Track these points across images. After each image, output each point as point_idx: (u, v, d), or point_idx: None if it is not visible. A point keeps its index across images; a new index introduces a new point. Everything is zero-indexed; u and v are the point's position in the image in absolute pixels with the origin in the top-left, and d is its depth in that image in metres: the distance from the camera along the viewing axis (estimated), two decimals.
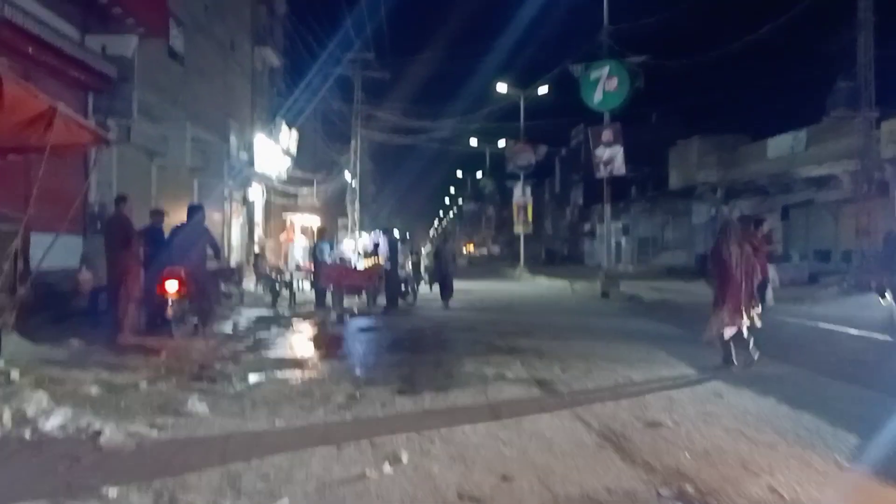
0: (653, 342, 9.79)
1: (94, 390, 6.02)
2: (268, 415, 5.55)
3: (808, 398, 6.18)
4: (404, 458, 4.39)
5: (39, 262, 10.10)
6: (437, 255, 17.75)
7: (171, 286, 9.11)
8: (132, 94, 12.92)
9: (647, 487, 3.96)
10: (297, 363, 8.19)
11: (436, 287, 17.12)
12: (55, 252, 11.14)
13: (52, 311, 10.23)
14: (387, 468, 4.18)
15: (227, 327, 11.14)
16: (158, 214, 10.72)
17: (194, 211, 10.15)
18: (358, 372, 7.77)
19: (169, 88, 15.87)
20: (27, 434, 4.39)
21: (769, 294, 11.77)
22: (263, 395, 6.29)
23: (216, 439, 4.82)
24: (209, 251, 10.03)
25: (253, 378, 7.04)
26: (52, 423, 4.66)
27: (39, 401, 4.89)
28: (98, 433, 4.59)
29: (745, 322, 7.65)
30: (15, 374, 5.89)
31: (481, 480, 4.05)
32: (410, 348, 9.48)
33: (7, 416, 4.59)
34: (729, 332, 7.69)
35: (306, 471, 4.17)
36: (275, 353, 9.02)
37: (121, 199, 9.60)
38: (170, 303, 9.16)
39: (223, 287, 14.01)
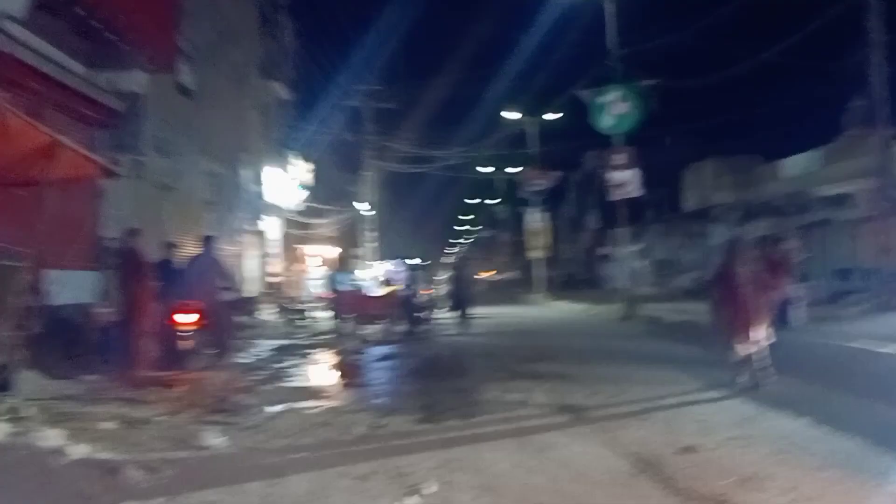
0: (677, 364, 9.51)
1: (109, 425, 5.86)
2: (286, 447, 5.37)
3: (845, 420, 5.90)
4: (430, 489, 4.19)
5: (46, 297, 10.18)
6: (455, 278, 17.54)
7: (184, 318, 8.99)
8: (142, 129, 12.96)
9: None
10: (316, 393, 8.02)
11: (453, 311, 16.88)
12: (70, 287, 11.16)
13: (66, 346, 10.13)
14: (413, 500, 3.98)
15: (245, 358, 11.00)
16: (171, 247, 10.64)
17: (209, 241, 10.07)
18: (379, 401, 7.59)
19: (180, 122, 15.92)
20: (40, 472, 4.23)
21: (799, 313, 11.52)
22: (281, 426, 6.12)
23: (233, 474, 4.64)
24: (222, 282, 9.93)
25: (270, 409, 6.88)
26: (67, 459, 4.50)
27: (54, 437, 4.74)
28: (113, 469, 4.42)
29: (756, 341, 7.53)
30: (30, 411, 5.75)
31: None
32: (431, 375, 9.28)
33: (21, 453, 4.44)
34: (743, 351, 7.56)
35: None
36: (293, 383, 8.87)
37: (132, 233, 9.52)
38: (183, 335, 9.03)
39: (239, 318, 13.91)
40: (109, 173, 7.29)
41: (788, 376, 7.54)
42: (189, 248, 11.90)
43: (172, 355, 9.36)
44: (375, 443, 5.50)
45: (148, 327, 9.00)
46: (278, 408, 7.00)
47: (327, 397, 7.76)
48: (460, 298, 16.39)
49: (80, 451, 4.61)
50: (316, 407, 7.15)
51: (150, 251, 10.67)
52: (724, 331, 7.74)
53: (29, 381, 7.19)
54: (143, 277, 9.18)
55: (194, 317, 9.08)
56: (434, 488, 4.21)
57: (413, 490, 4.16)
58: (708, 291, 8.48)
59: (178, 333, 9.18)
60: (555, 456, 5.03)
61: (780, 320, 11.83)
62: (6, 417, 5.28)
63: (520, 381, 8.58)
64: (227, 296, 10.51)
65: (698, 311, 19.66)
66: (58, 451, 4.54)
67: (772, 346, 7.66)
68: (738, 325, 7.52)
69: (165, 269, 10.15)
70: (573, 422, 6.26)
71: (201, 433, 5.60)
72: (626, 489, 4.24)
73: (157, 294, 9.66)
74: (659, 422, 6.16)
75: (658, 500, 4.03)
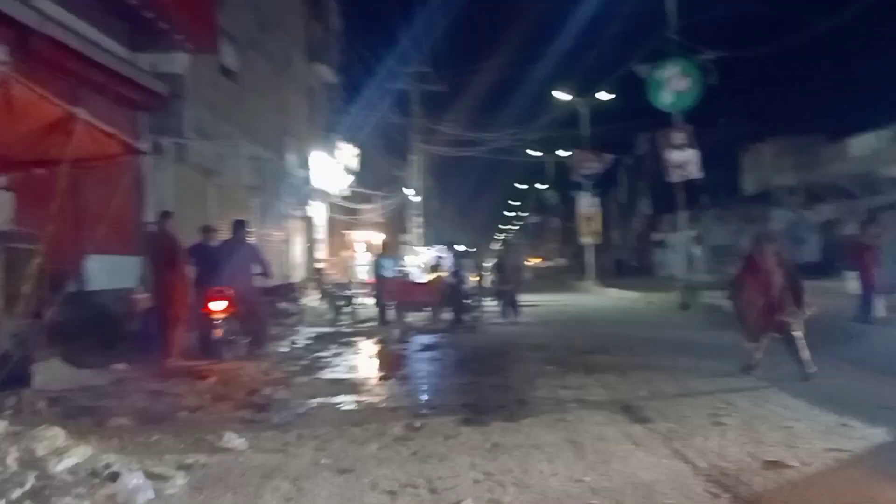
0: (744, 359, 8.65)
1: (125, 422, 5.42)
2: (314, 451, 4.82)
3: None
4: None
5: (82, 283, 9.88)
6: (499, 267, 16.79)
7: (217, 306, 8.57)
8: (184, 111, 12.62)
9: None
10: (353, 386, 7.47)
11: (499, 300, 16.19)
12: (109, 273, 10.89)
13: (103, 334, 9.86)
14: None
15: (284, 347, 10.57)
16: (209, 231, 10.22)
17: (238, 226, 9.59)
18: (419, 397, 7.02)
19: (223, 106, 15.57)
20: (30, 480, 3.75)
21: (880, 303, 10.58)
22: (312, 425, 5.58)
23: (250, 483, 4.10)
24: (257, 269, 9.46)
25: (303, 405, 6.37)
26: (64, 465, 4.02)
27: (54, 438, 4.27)
28: (114, 476, 3.92)
29: (788, 329, 7.43)
30: (42, 405, 5.33)
31: None
32: (477, 369, 8.62)
33: (13, 457, 3.97)
34: (764, 340, 7.62)
35: None
36: (330, 374, 8.35)
37: (164, 215, 9.13)
38: (217, 324, 8.61)
39: (282, 305, 13.53)
40: (134, 151, 6.84)
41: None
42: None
43: (206, 344, 8.98)
44: (412, 447, 4.90)
45: (180, 315, 8.62)
46: (311, 403, 6.48)
47: (364, 392, 7.21)
48: (506, 287, 15.66)
49: (79, 453, 4.12)
50: (351, 403, 6.61)
51: (191, 236, 10.33)
52: (750, 322, 7.75)
53: (51, 371, 6.86)
54: (176, 263, 8.79)
55: (226, 304, 8.63)
56: None
57: None
58: (733, 284, 8.31)
59: (212, 321, 8.77)
60: (618, 469, 4.35)
61: (863, 311, 10.94)
62: (9, 412, 4.86)
63: (573, 375, 7.90)
64: (263, 282, 10.05)
65: None
66: (54, 454, 4.06)
67: (857, 341, 6.97)
68: (767, 312, 7.48)
69: (202, 254, 9.75)
70: (635, 425, 5.54)
71: (223, 432, 5.08)
72: None
73: (191, 280, 9.29)
74: (734, 427, 5.40)
75: None
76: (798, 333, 7.38)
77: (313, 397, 6.73)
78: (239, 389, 7.09)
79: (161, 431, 5.25)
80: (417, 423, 5.59)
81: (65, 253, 8.18)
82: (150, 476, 4.03)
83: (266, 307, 10.70)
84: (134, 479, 3.88)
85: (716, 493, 3.90)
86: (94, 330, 9.71)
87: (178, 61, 12.42)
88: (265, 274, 9.74)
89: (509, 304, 15.39)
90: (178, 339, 8.62)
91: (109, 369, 7.80)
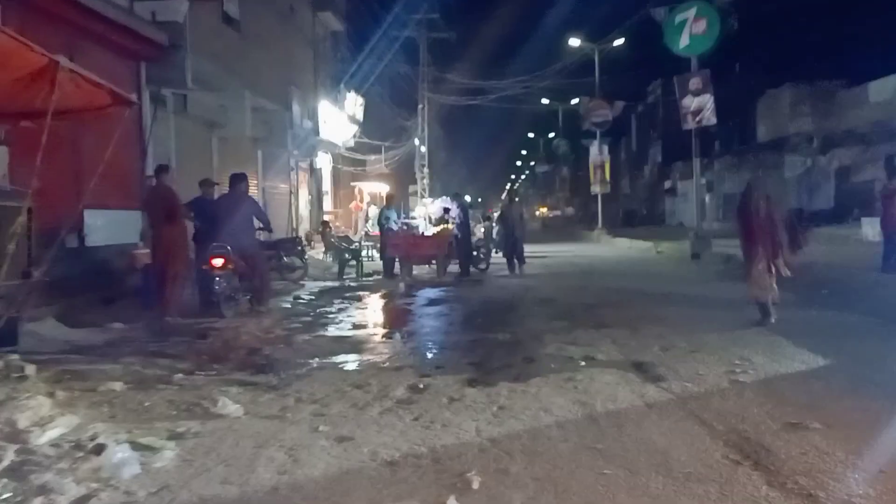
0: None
1: (117, 386, 5.21)
2: (312, 416, 4.60)
3: None
4: (475, 483, 3.36)
5: (84, 238, 9.65)
6: (503, 218, 16.43)
7: (216, 262, 8.32)
8: (185, 61, 12.22)
9: None
10: (356, 344, 7.25)
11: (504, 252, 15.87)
12: (110, 228, 10.66)
13: (104, 290, 9.68)
14: (451, 502, 3.15)
15: (286, 303, 10.37)
16: (208, 185, 9.93)
17: (237, 180, 9.26)
18: (423, 355, 6.79)
19: (225, 56, 15.11)
20: (9, 454, 3.55)
21: None
22: (311, 387, 5.36)
23: (244, 453, 3.89)
24: (257, 223, 9.18)
25: (303, 365, 6.16)
26: (48, 436, 3.83)
27: (38, 407, 4.06)
28: (99, 449, 3.72)
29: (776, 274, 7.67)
30: (30, 370, 5.13)
31: None
32: (483, 325, 8.37)
33: None
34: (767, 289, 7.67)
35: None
36: (333, 331, 8.14)
37: (161, 169, 8.84)
38: (217, 280, 8.39)
39: (286, 259, 13.32)
40: (125, 102, 6.52)
41: None
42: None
43: (206, 301, 8.78)
44: (414, 411, 4.67)
45: (178, 271, 8.40)
46: (312, 363, 6.27)
47: (367, 350, 6.98)
48: (511, 239, 15.32)
49: (64, 423, 3.92)
50: (353, 362, 6.39)
51: (194, 190, 10.04)
52: (750, 272, 7.82)
53: (44, 331, 6.67)
54: (174, 217, 8.54)
55: (224, 259, 8.39)
56: (479, 482, 3.37)
57: (451, 487, 3.33)
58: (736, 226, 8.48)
59: (212, 277, 8.54)
60: (631, 434, 4.12)
61: (889, 260, 10.61)
62: None
63: (582, 331, 7.66)
64: (263, 237, 9.79)
65: None
66: (37, 425, 3.86)
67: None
68: (763, 259, 7.63)
69: (202, 209, 9.49)
70: (648, 384, 5.29)
71: (218, 397, 4.88)
72: (725, 487, 3.30)
73: (190, 235, 9.05)
74: (751, 386, 5.16)
75: None
76: (786, 273, 7.64)
77: (314, 356, 6.52)
78: (238, 349, 6.89)
79: (154, 396, 5.04)
80: (421, 384, 5.37)
81: (62, 208, 7.93)
82: (137, 447, 3.83)
83: (267, 262, 10.47)
84: (119, 452, 3.67)
85: (736, 459, 3.66)
86: (93, 286, 9.52)
87: (178, 9, 11.97)
88: (266, 228, 9.46)
89: (515, 255, 15.09)
90: (177, 296, 8.42)
91: (105, 328, 7.61)
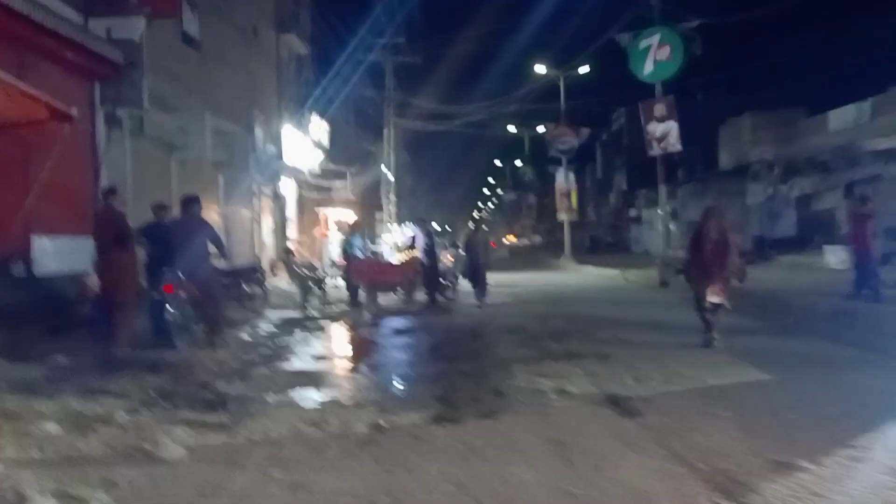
0: (733, 340, 8.19)
1: (52, 428, 4.77)
2: (263, 459, 4.22)
3: None
4: None
5: (30, 266, 9.15)
6: (468, 246, 16.08)
7: (167, 289, 7.89)
8: (142, 81, 11.81)
9: None
10: (316, 378, 6.85)
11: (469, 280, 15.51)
12: (60, 255, 10.15)
13: (52, 320, 9.16)
14: None
15: (245, 333, 9.91)
16: (162, 209, 9.47)
17: (189, 203, 8.81)
18: (387, 390, 6.43)
19: (185, 76, 14.72)
20: None
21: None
22: (264, 426, 4.97)
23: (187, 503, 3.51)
24: (211, 248, 8.74)
25: (257, 401, 5.75)
26: None
27: None
28: (21, 500, 3.31)
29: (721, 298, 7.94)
30: None
31: None
32: (450, 355, 8.00)
33: None
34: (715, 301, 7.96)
35: None
36: (293, 364, 7.74)
37: (109, 192, 8.38)
38: (170, 309, 7.94)
39: (246, 287, 12.86)
40: (63, 117, 6.13)
41: None
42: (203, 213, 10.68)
43: (158, 331, 8.32)
44: (375, 453, 4.32)
45: (128, 299, 7.93)
46: (267, 399, 5.86)
47: (328, 385, 6.60)
48: (474, 266, 14.96)
49: None
50: (312, 398, 6.01)
51: (147, 215, 9.61)
52: (697, 290, 8.15)
53: None
54: (123, 243, 8.07)
55: (176, 287, 7.96)
56: None
57: None
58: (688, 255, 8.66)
59: (164, 306, 8.10)
60: (610, 476, 3.83)
61: (859, 287, 10.58)
62: None
63: (552, 362, 7.36)
64: (221, 263, 9.36)
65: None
66: None
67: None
68: (718, 281, 7.92)
69: (155, 235, 9.03)
70: (625, 419, 5.03)
71: (164, 438, 4.48)
72: None
73: (141, 262, 8.60)
74: (731, 421, 4.91)
75: None
76: (718, 301, 7.88)
77: (270, 391, 6.11)
78: (188, 383, 6.44)
79: (91, 438, 4.61)
80: (384, 422, 5.02)
81: (6, 234, 7.47)
82: (64, 498, 3.43)
83: (224, 290, 10.02)
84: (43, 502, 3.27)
85: None
86: (41, 317, 9.01)
87: (135, 27, 11.59)
88: (221, 254, 9.03)
89: (478, 283, 14.72)
90: (126, 327, 7.93)
91: (46, 362, 7.11)
